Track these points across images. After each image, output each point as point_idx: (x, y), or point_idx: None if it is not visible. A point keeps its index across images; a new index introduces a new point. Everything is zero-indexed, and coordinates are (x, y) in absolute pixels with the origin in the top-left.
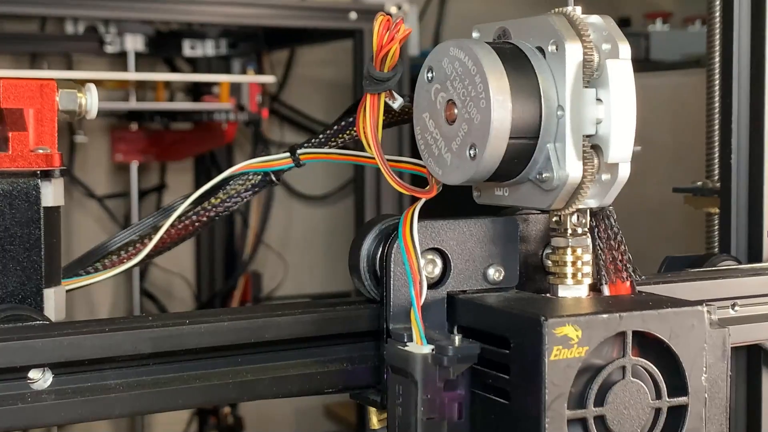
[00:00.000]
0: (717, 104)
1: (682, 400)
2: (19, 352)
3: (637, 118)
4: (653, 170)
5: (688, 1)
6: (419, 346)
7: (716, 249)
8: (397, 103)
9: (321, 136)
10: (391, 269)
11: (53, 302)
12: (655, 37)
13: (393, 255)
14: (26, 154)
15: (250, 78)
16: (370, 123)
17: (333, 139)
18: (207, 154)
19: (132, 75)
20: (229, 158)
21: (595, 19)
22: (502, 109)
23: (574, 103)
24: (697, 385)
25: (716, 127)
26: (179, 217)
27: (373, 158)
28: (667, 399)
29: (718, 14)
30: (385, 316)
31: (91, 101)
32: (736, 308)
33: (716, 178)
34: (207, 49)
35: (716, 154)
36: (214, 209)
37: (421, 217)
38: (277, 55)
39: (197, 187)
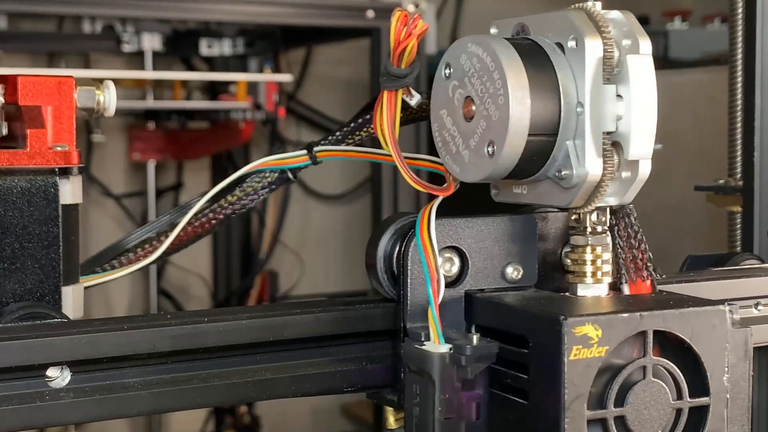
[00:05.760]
0: (739, 102)
1: (703, 400)
2: (37, 350)
3: (658, 116)
4: (675, 168)
5: None
6: (437, 346)
7: (739, 248)
8: (415, 99)
9: (338, 133)
10: (409, 268)
11: (71, 300)
12: (673, 36)
13: (410, 253)
14: (44, 151)
15: (267, 77)
16: (387, 120)
17: (350, 137)
18: (224, 153)
19: (149, 74)
20: (246, 157)
21: (615, 14)
22: (521, 106)
23: (594, 99)
24: (719, 386)
25: (738, 125)
26: (195, 214)
27: (390, 155)
28: (689, 399)
29: (740, 12)
30: (402, 315)
31: (109, 98)
32: (759, 308)
33: (738, 176)
34: (224, 47)
35: (738, 152)
36: (230, 206)
37: (438, 215)
38: (294, 53)
39: (214, 186)
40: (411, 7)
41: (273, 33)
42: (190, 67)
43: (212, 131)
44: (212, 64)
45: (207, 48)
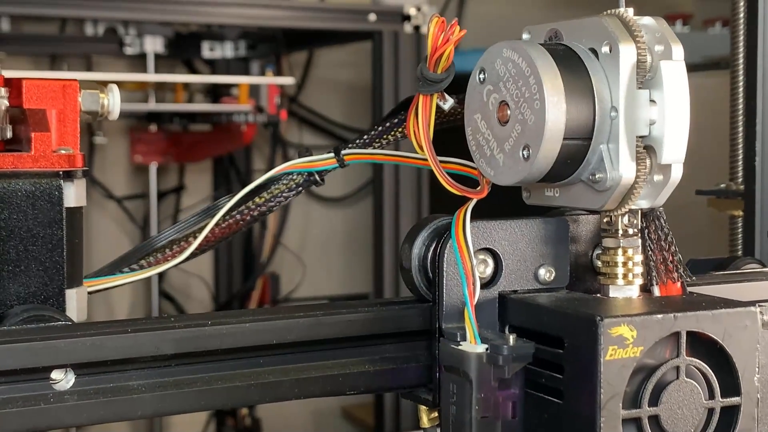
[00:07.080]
0: (741, 106)
1: (734, 400)
2: (41, 352)
3: None
4: None
5: (708, 2)
6: (473, 346)
7: (740, 252)
8: (448, 104)
9: (365, 136)
10: (444, 269)
11: (75, 303)
12: None
13: (446, 255)
14: (49, 154)
15: (269, 80)
16: (422, 124)
17: (377, 140)
18: (226, 156)
19: (151, 76)
20: (248, 160)
21: (647, 20)
22: (557, 110)
23: (627, 104)
24: (750, 386)
25: (740, 129)
26: (223, 216)
27: (421, 158)
28: (720, 399)
29: (742, 15)
30: (437, 316)
31: (113, 102)
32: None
33: (740, 180)
34: (226, 50)
35: (740, 157)
36: (257, 209)
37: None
38: (296, 56)
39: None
40: (413, 11)
41: (275, 36)
42: (192, 70)
43: (214, 134)
44: (214, 66)
45: (209, 51)
